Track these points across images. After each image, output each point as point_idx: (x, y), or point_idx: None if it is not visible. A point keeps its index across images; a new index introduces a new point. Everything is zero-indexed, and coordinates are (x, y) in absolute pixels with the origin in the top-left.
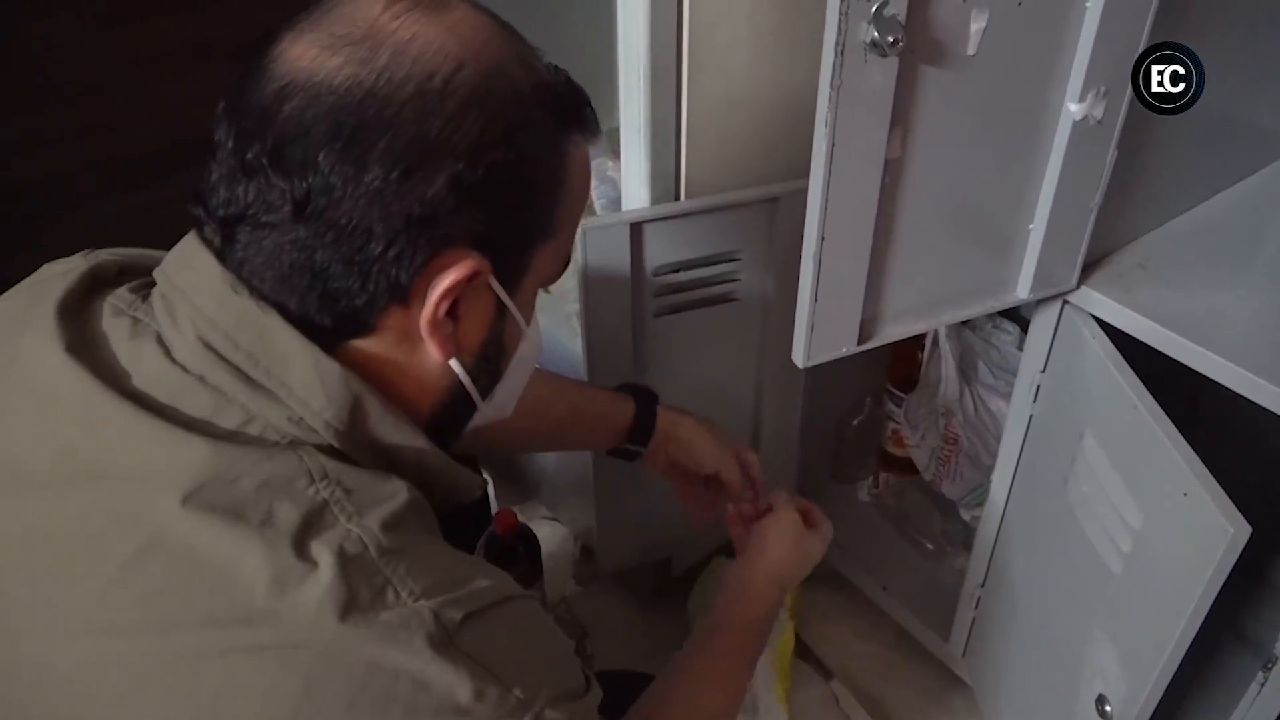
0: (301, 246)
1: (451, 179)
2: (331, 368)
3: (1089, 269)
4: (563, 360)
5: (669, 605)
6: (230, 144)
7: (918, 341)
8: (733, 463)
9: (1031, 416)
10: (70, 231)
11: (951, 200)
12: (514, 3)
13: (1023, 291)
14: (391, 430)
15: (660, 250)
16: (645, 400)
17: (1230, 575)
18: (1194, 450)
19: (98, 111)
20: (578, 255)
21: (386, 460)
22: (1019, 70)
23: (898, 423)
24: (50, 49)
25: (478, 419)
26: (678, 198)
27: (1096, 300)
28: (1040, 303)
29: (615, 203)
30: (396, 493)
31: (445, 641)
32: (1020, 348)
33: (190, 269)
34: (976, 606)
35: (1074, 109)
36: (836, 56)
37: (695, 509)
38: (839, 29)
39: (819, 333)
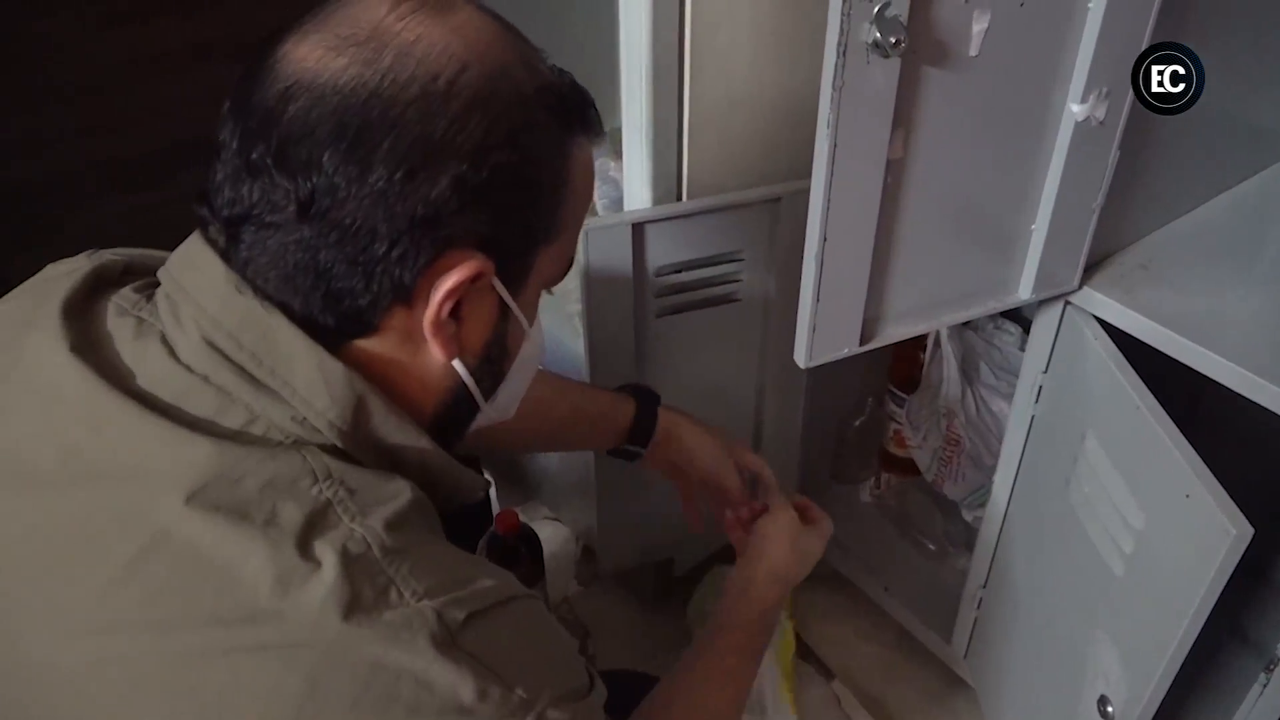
0: (306, 246)
1: (455, 180)
2: (335, 368)
3: (1091, 270)
4: (565, 360)
5: (670, 606)
6: (235, 144)
7: (919, 342)
8: (732, 469)
9: (1033, 417)
10: (71, 232)
11: (953, 201)
12: (516, 3)
13: (1025, 292)
14: (395, 430)
15: (662, 251)
16: (646, 401)
17: (1232, 576)
18: (1195, 451)
19: (98, 111)
20: (580, 256)
21: (390, 460)
22: (1021, 71)
23: (899, 423)
24: (51, 49)
25: (480, 420)
26: (680, 198)
27: (1098, 301)
28: (1042, 303)
29: (617, 203)
30: (400, 493)
31: (448, 641)
32: (1022, 348)
33: (195, 269)
34: (978, 607)
35: (1076, 110)
36: (838, 57)
37: (694, 512)
38: (841, 30)
39: (821, 333)
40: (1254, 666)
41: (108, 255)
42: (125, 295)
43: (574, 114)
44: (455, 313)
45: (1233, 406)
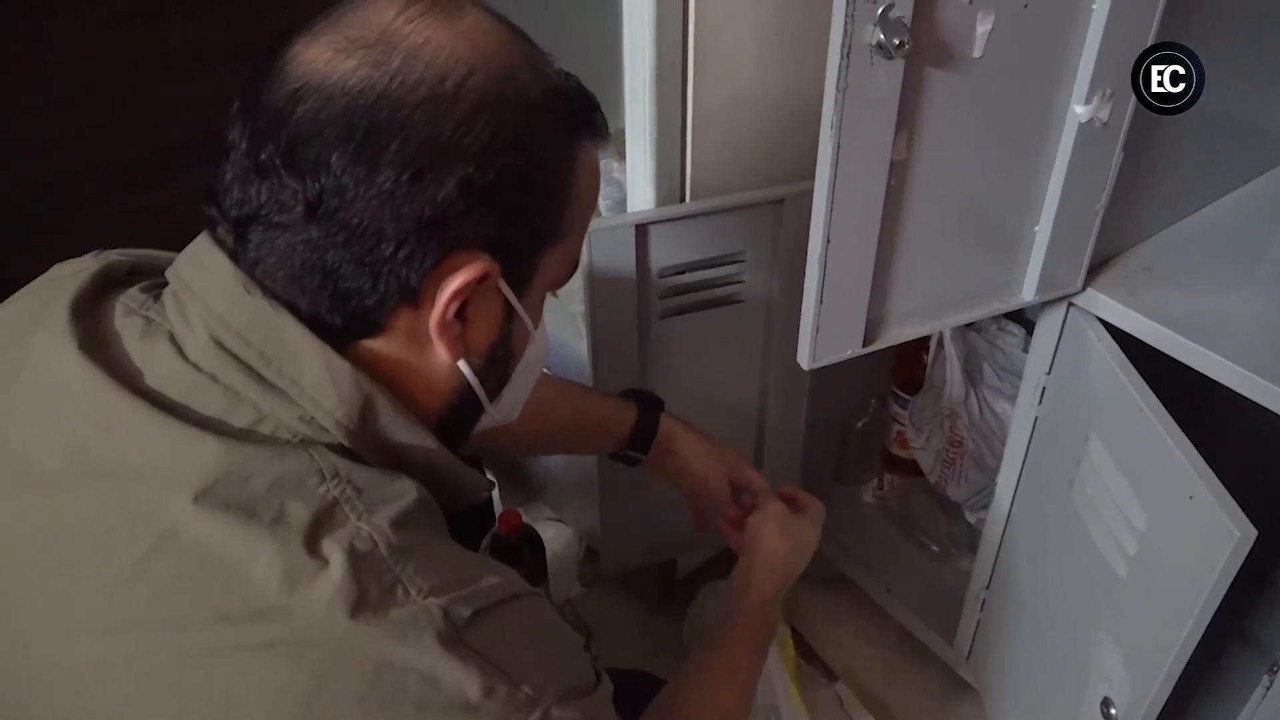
0: (313, 247)
1: (462, 182)
2: (343, 367)
3: (1094, 271)
4: (568, 361)
5: (673, 607)
6: (244, 144)
7: (922, 343)
8: (722, 480)
9: (1036, 419)
10: (73, 232)
11: (957, 202)
12: (521, 4)
13: (1028, 294)
14: (401, 430)
15: (665, 252)
16: (649, 408)
17: (1235, 578)
18: (1198, 452)
19: (100, 113)
20: (583, 257)
21: (396, 460)
22: (1025, 72)
23: (902, 425)
24: (52, 50)
25: (485, 422)
26: (683, 199)
27: (1102, 302)
28: (1045, 305)
29: (620, 204)
30: (406, 492)
31: (454, 638)
32: (1025, 350)
33: (203, 269)
34: (981, 609)
35: (1080, 111)
36: (842, 59)
37: (697, 517)
38: (845, 31)
39: (824, 334)
40: (1257, 668)
41: (114, 255)
42: (132, 295)
43: (580, 117)
44: (461, 314)
45: (1236, 408)
